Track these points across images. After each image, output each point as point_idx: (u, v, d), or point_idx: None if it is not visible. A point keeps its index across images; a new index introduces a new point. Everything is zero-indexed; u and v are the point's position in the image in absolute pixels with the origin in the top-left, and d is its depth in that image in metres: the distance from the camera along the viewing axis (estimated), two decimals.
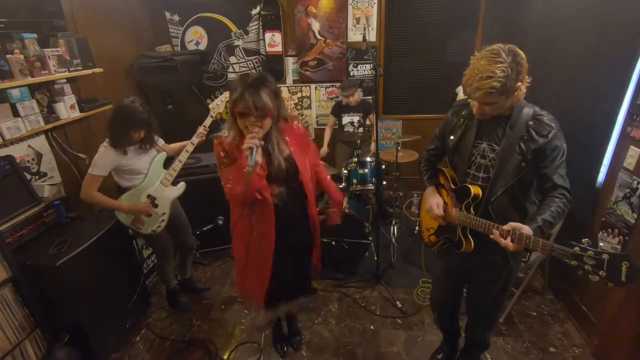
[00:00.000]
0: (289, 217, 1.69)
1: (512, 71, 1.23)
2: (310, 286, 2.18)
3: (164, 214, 2.32)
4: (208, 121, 2.33)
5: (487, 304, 1.75)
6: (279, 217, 1.65)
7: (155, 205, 2.28)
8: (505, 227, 1.29)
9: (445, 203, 1.64)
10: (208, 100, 2.42)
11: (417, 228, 3.21)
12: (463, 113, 1.54)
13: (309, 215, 1.80)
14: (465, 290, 1.90)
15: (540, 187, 1.43)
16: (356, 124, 3.54)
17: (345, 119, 3.56)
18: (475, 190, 1.46)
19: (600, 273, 1.07)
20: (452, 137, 1.57)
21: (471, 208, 1.49)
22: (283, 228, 1.68)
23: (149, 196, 2.25)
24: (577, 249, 1.12)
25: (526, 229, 1.25)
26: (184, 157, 2.30)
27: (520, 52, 1.28)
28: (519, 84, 1.29)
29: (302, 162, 1.67)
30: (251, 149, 1.39)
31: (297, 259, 1.92)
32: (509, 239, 1.28)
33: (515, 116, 1.39)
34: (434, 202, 1.63)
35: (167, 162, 2.36)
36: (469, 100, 1.42)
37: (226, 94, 2.37)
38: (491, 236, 1.35)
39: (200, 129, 2.32)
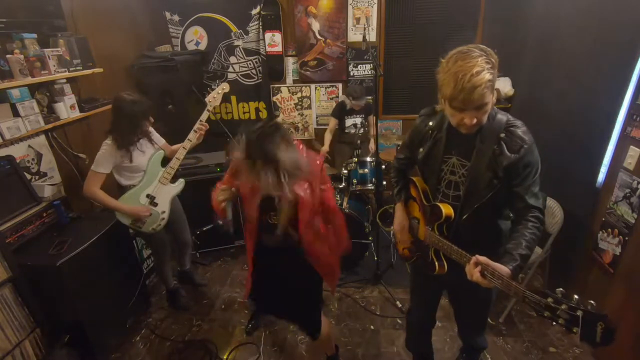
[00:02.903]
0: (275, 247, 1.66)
1: (494, 61, 1.12)
2: (311, 328, 1.86)
3: (164, 212, 2.33)
4: (205, 116, 2.30)
5: (475, 309, 1.67)
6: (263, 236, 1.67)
7: (155, 204, 2.28)
8: (481, 258, 1.17)
9: (417, 220, 1.53)
10: (205, 92, 2.37)
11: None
12: (430, 123, 1.40)
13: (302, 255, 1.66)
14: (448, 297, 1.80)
15: (512, 205, 1.32)
16: (359, 126, 3.53)
17: (349, 121, 3.54)
18: (447, 210, 1.35)
19: (574, 330, 0.98)
20: (421, 150, 1.45)
21: (444, 229, 1.39)
22: (266, 249, 1.69)
23: (148, 195, 2.25)
24: (550, 299, 1.02)
25: (504, 270, 1.13)
26: (181, 154, 2.30)
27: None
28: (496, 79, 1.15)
29: (306, 205, 1.54)
30: (225, 201, 1.51)
31: (286, 286, 1.78)
32: (477, 271, 1.16)
33: (486, 127, 1.25)
34: (399, 224, 1.56)
35: (165, 163, 2.35)
36: (452, 112, 1.23)
37: (223, 86, 2.37)
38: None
39: (197, 125, 2.29)
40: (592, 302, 0.97)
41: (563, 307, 0.99)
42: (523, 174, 1.24)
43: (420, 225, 1.51)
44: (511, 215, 1.39)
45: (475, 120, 1.19)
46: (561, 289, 1.03)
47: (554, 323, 1.02)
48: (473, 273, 1.18)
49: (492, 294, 1.59)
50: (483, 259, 1.17)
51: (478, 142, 1.28)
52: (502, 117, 1.28)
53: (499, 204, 1.34)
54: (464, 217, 1.33)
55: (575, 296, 0.99)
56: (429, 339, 1.92)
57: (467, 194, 1.31)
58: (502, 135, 1.25)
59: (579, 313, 0.96)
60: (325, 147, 3.56)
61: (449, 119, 1.28)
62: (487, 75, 1.09)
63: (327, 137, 3.60)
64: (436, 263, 1.44)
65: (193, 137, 2.29)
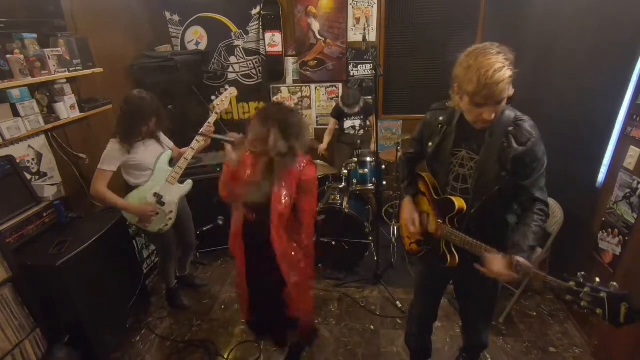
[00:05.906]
0: (256, 248, 1.72)
1: (511, 58, 1.17)
2: (288, 336, 1.97)
3: (171, 212, 2.33)
4: (213, 118, 2.30)
5: (482, 305, 1.69)
6: (247, 244, 1.73)
7: (162, 204, 2.28)
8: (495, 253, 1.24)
9: (426, 213, 1.56)
10: (213, 97, 2.38)
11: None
12: (441, 118, 1.44)
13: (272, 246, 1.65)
14: (455, 294, 1.84)
15: (518, 199, 1.37)
16: (357, 127, 3.53)
17: (347, 123, 3.54)
18: (459, 203, 1.38)
19: (597, 311, 1.01)
20: (430, 144, 1.48)
21: (455, 221, 1.42)
22: (251, 260, 1.76)
23: (155, 194, 2.25)
24: (572, 283, 1.05)
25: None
26: (189, 154, 2.30)
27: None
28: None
29: (278, 196, 1.59)
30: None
31: (270, 295, 1.80)
32: (498, 263, 1.22)
33: (495, 122, 1.28)
34: (409, 217, 1.57)
35: (173, 164, 2.36)
36: (470, 108, 1.25)
37: (230, 90, 2.37)
38: (483, 258, 1.29)
39: (205, 127, 2.28)
40: (614, 283, 1.00)
41: (586, 289, 1.02)
42: (530, 167, 1.29)
43: (431, 219, 1.53)
44: (518, 212, 1.42)
45: (494, 115, 1.23)
46: (583, 272, 1.05)
47: (576, 306, 1.04)
48: (494, 266, 1.23)
49: (498, 285, 1.62)
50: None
51: (487, 136, 1.32)
52: (510, 113, 1.31)
53: (507, 198, 1.37)
54: (474, 209, 1.37)
55: (597, 279, 1.02)
56: (430, 334, 1.92)
57: (476, 186, 1.36)
58: (511, 128, 1.29)
59: (603, 294, 0.99)
60: (323, 145, 3.59)
61: (466, 115, 1.31)
62: (508, 72, 1.13)
63: (326, 138, 3.63)
64: (448, 255, 1.46)
65: (201, 139, 2.28)
